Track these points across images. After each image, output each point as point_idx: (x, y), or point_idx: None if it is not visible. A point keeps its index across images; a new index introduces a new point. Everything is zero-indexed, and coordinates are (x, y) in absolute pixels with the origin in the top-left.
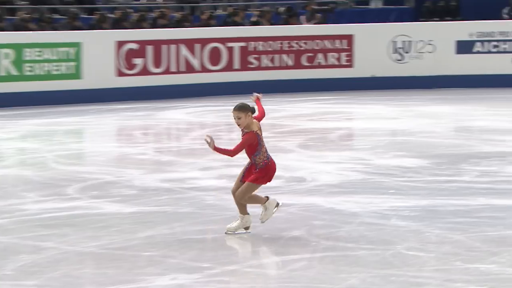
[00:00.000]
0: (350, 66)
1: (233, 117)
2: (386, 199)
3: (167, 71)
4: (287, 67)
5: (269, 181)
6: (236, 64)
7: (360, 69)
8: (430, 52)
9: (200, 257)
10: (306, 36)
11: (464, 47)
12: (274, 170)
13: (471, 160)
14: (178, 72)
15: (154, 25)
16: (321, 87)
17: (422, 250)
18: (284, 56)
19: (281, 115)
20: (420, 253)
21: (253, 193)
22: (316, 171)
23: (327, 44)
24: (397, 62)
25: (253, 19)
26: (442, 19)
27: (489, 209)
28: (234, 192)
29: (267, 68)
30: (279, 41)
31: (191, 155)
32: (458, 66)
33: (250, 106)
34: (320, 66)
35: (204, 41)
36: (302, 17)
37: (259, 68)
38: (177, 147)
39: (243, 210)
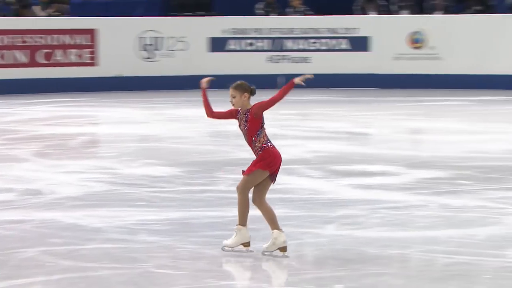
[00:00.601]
0: (93, 64)
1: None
2: (134, 212)
3: None
4: (20, 65)
5: (271, 170)
6: None
7: (104, 68)
8: (182, 50)
9: None
10: (42, 30)
11: (217, 44)
12: (277, 157)
13: (227, 167)
14: None
15: None
16: (60, 88)
17: (173, 267)
18: (17, 53)
19: (13, 120)
20: (171, 271)
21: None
22: (55, 183)
23: (67, 39)
24: (145, 61)
25: None
26: (194, 13)
27: None
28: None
29: None
30: (10, 35)
31: None
32: (211, 65)
33: (251, 87)
34: (59, 64)
35: None
36: (36, 8)
37: None
38: None
39: (241, 220)
